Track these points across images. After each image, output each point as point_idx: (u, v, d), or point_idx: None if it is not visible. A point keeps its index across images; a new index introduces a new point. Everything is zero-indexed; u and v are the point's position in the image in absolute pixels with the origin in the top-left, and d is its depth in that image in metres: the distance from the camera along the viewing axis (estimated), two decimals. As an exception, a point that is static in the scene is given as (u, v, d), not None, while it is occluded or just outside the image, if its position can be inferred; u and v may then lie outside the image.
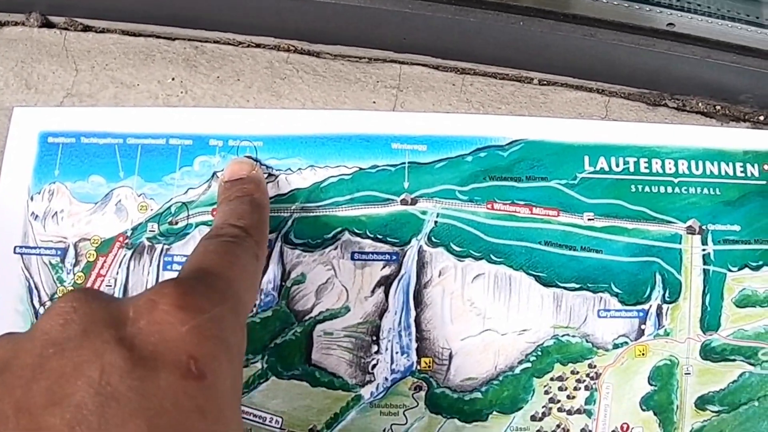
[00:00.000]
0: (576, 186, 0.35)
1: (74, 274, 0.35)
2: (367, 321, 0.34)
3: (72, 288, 0.35)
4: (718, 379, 0.34)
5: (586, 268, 0.34)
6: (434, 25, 0.35)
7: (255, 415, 0.33)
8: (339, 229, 0.34)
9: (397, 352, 0.33)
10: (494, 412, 0.33)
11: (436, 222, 0.34)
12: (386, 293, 0.34)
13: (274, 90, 0.36)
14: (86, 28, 0.39)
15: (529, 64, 0.35)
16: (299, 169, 0.35)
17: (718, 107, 0.36)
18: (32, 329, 0.20)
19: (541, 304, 0.34)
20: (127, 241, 0.35)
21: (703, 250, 0.35)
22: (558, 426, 0.33)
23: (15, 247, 0.35)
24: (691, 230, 0.35)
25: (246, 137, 0.35)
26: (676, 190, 0.35)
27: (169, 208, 0.35)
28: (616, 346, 0.34)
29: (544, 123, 0.35)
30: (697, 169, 0.35)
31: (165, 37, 0.38)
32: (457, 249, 0.34)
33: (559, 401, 0.33)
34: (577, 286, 0.34)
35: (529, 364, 0.33)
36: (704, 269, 0.34)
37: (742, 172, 0.36)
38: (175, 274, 0.34)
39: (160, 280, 0.34)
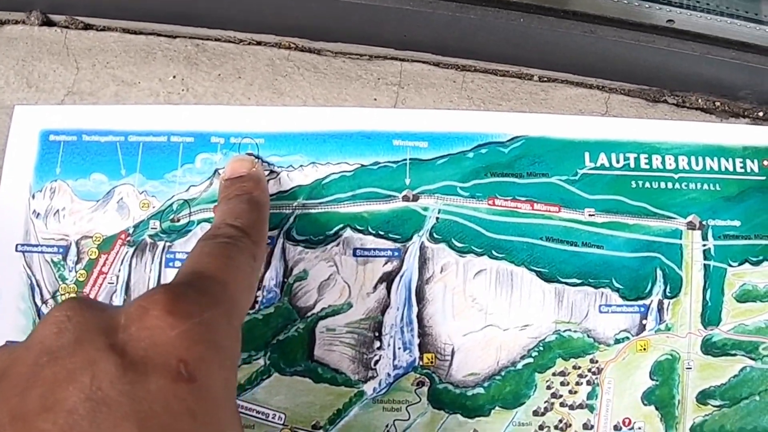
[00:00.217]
0: (577, 182, 0.35)
1: (76, 272, 0.35)
2: (369, 317, 0.34)
3: (74, 285, 0.35)
4: (719, 374, 0.34)
5: (588, 263, 0.34)
6: (435, 22, 0.35)
7: (258, 412, 0.33)
8: (341, 225, 0.34)
9: (399, 348, 0.33)
10: (497, 408, 0.33)
11: (437, 218, 0.34)
12: (388, 289, 0.34)
13: (276, 87, 0.36)
14: (87, 27, 0.39)
15: (530, 61, 0.35)
16: (301, 166, 0.35)
17: (717, 103, 0.36)
18: (29, 338, 0.20)
19: (542, 300, 0.34)
20: (129, 238, 0.35)
21: (704, 245, 0.35)
22: (560, 421, 0.33)
23: (17, 245, 0.35)
24: (691, 226, 0.35)
25: (248, 134, 0.35)
26: (677, 185, 0.35)
27: (171, 205, 0.35)
28: (617, 341, 0.34)
29: (544, 119, 0.35)
30: (697, 164, 0.35)
31: (166, 35, 0.38)
32: (459, 245, 0.34)
33: (561, 396, 0.33)
34: (579, 281, 0.34)
35: (531, 360, 0.33)
36: (705, 264, 0.35)
37: (741, 167, 0.36)
38: (176, 272, 0.34)
39: (162, 277, 0.35)
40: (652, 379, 0.34)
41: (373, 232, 0.34)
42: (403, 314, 0.34)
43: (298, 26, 0.37)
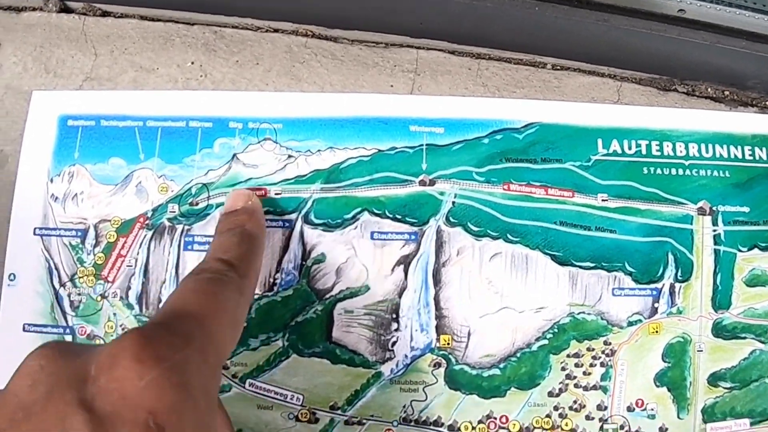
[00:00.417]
0: (590, 168, 0.35)
1: (94, 255, 0.35)
2: (386, 299, 0.34)
3: (92, 268, 0.35)
4: (730, 357, 0.35)
5: (601, 247, 0.35)
6: (450, 10, 0.35)
7: (276, 393, 0.34)
8: (358, 209, 0.35)
9: (416, 330, 0.34)
10: (512, 389, 0.34)
11: (453, 202, 0.35)
12: (405, 272, 0.34)
13: (293, 74, 0.36)
14: (104, 14, 0.39)
15: (543, 50, 0.36)
16: (319, 150, 0.35)
17: (726, 92, 0.36)
18: (5, 390, 0.20)
19: (557, 283, 0.34)
20: (147, 221, 0.35)
21: (714, 230, 0.35)
22: (574, 402, 0.34)
23: (35, 229, 0.36)
24: (701, 211, 0.35)
25: (266, 119, 0.36)
26: (687, 172, 0.36)
27: (190, 189, 0.35)
28: (630, 324, 0.34)
29: (558, 107, 0.36)
30: (707, 152, 0.36)
31: (184, 23, 0.38)
32: (475, 229, 0.34)
33: (575, 377, 0.34)
34: (592, 265, 0.34)
35: (546, 341, 0.34)
36: (715, 249, 0.35)
37: (750, 155, 0.37)
38: (195, 255, 0.35)
39: (180, 260, 0.35)
40: (665, 361, 0.34)
41: (391, 215, 0.35)
42: (420, 296, 0.34)
43: (315, 14, 0.37)
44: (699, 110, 0.37)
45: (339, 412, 0.33)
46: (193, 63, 0.37)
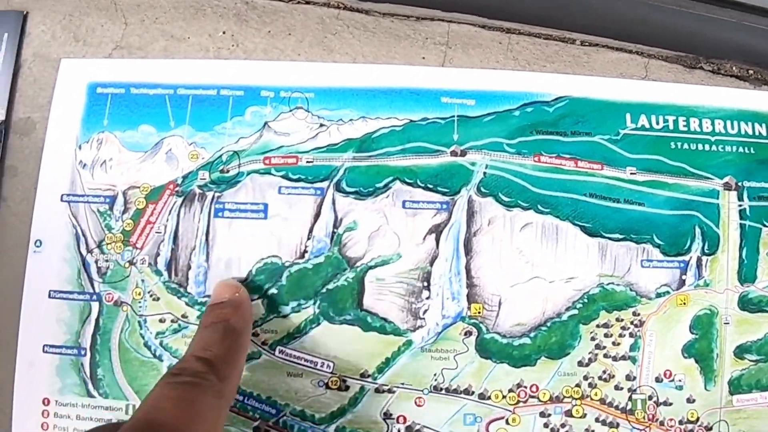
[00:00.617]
0: (619, 141, 0.36)
1: (123, 222, 0.35)
2: (418, 267, 0.34)
3: (121, 234, 0.35)
4: (755, 329, 0.35)
5: (629, 219, 0.35)
6: (482, -15, 0.36)
7: (306, 360, 0.33)
8: (390, 178, 0.35)
9: (447, 298, 0.34)
10: (542, 358, 0.34)
11: (485, 173, 0.35)
12: (437, 241, 0.34)
13: (326, 45, 0.36)
14: (134, -16, 0.39)
15: (572, 26, 0.37)
16: (351, 120, 0.35)
17: (751, 71, 0.37)
18: None
19: (586, 253, 0.35)
20: (177, 188, 0.35)
21: (740, 205, 0.36)
22: (604, 372, 0.34)
23: (62, 195, 0.36)
24: (727, 186, 0.36)
25: (297, 89, 0.36)
26: (713, 147, 0.36)
27: (221, 156, 0.35)
28: (658, 295, 0.35)
29: (587, 81, 0.36)
30: (732, 128, 0.37)
31: (215, -6, 0.38)
32: (506, 199, 0.35)
33: (604, 347, 0.34)
34: (621, 236, 0.35)
35: (575, 311, 0.34)
36: (740, 224, 0.36)
37: (774, 133, 0.37)
38: (226, 222, 0.35)
39: (210, 227, 0.35)
40: (692, 333, 0.34)
41: (422, 185, 0.35)
42: (451, 265, 0.34)
43: (347, -13, 0.37)
44: (724, 88, 0.37)
45: (369, 379, 0.33)
46: (224, 33, 0.37)
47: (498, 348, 0.34)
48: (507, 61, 0.36)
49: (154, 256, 0.35)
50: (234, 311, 0.30)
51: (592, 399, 0.34)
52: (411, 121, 0.35)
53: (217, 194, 0.35)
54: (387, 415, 0.33)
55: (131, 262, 0.35)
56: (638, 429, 0.34)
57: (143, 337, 0.34)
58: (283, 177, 0.35)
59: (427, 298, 0.34)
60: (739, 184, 0.36)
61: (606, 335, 0.34)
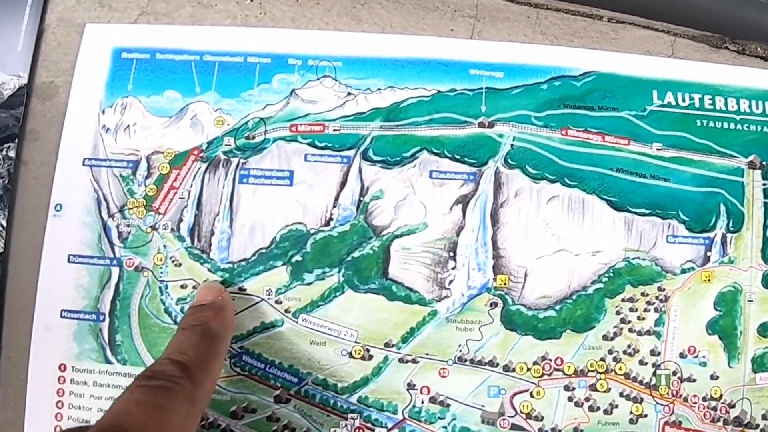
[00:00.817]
0: (645, 117, 0.36)
1: (146, 186, 0.35)
2: (444, 237, 0.34)
3: (143, 200, 0.35)
4: (779, 308, 0.35)
5: (656, 195, 0.35)
6: (511, -40, 0.36)
7: (330, 329, 0.33)
8: (418, 148, 0.35)
9: (473, 269, 0.34)
10: (567, 331, 0.34)
11: (512, 145, 0.35)
12: (464, 211, 0.34)
13: (354, 14, 0.36)
14: (161, -48, 0.39)
15: (600, 2, 0.37)
16: (379, 89, 0.35)
17: (775, 53, 0.37)
18: None
19: (612, 227, 0.34)
20: (202, 154, 0.35)
21: (764, 184, 0.36)
22: (629, 346, 0.34)
23: (84, 159, 0.35)
24: (752, 165, 0.36)
25: (326, 57, 0.36)
26: (738, 126, 0.36)
27: (247, 123, 0.35)
28: (683, 271, 0.34)
29: (615, 57, 0.36)
30: (757, 108, 0.37)
31: (242, -37, 0.38)
32: (533, 171, 0.35)
33: (629, 322, 0.34)
34: (647, 211, 0.35)
35: (601, 285, 0.34)
36: (765, 202, 0.36)
37: (797, 114, 0.37)
38: (251, 188, 0.34)
39: (235, 193, 0.34)
40: (716, 310, 0.34)
41: (449, 155, 0.35)
42: (478, 236, 0.34)
43: (375, -40, 0.37)
44: (749, 68, 0.37)
45: (393, 349, 0.33)
46: (252, 0, 0.37)
47: (523, 320, 0.33)
48: (535, 36, 0.36)
49: (177, 222, 0.34)
50: (215, 315, 0.30)
51: (616, 373, 0.33)
52: (439, 91, 0.35)
53: (242, 160, 0.35)
54: (410, 386, 0.33)
55: (153, 228, 0.34)
56: (662, 404, 0.33)
57: (164, 303, 0.34)
58: (309, 144, 0.35)
59: (453, 269, 0.34)
60: (764, 163, 0.36)
61: (631, 309, 0.34)
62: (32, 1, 0.37)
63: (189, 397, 0.25)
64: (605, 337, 0.34)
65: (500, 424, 0.33)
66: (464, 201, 0.34)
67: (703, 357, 0.34)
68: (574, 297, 0.34)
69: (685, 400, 0.34)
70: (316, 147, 0.35)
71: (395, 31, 0.36)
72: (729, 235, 0.35)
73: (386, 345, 0.33)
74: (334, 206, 0.34)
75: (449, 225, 0.34)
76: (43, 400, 0.33)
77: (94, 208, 0.35)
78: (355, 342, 0.33)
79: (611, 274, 0.34)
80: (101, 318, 0.34)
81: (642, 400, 0.33)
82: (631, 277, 0.34)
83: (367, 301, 0.33)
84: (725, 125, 0.36)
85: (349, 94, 0.35)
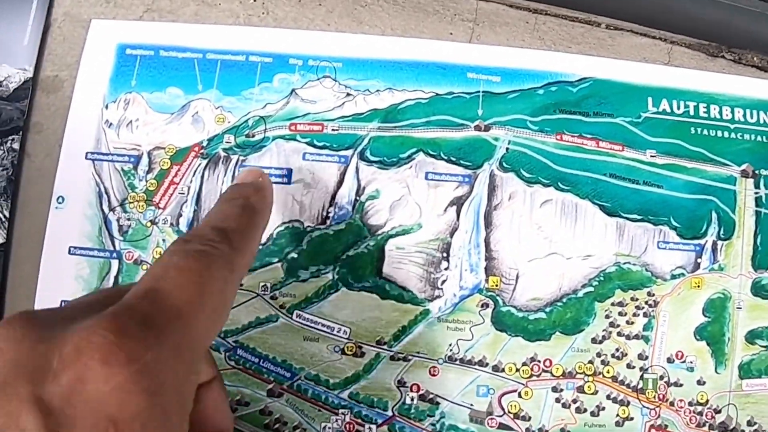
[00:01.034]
0: (640, 124, 0.36)
1: (146, 181, 0.35)
2: (438, 238, 0.34)
3: (144, 194, 0.35)
4: (767, 316, 0.35)
5: (648, 201, 0.35)
6: (511, -35, 0.36)
7: (323, 325, 0.34)
8: (414, 149, 0.35)
9: (466, 270, 0.34)
10: (557, 333, 0.34)
11: (507, 149, 0.35)
12: (458, 213, 0.35)
13: (355, 16, 0.37)
14: (166, -50, 0.39)
15: (598, 9, 0.37)
16: (377, 90, 0.36)
17: (771, 63, 0.38)
18: None
19: (604, 232, 0.35)
20: (202, 151, 0.35)
21: (756, 193, 0.36)
22: (617, 350, 0.34)
23: (87, 153, 0.36)
24: (745, 174, 0.36)
25: (326, 58, 0.36)
26: (732, 135, 0.37)
27: (247, 121, 0.36)
28: (673, 277, 0.35)
29: (611, 64, 0.37)
30: (752, 117, 0.37)
31: (246, -37, 0.39)
32: (527, 175, 0.35)
33: (618, 326, 0.34)
34: (639, 217, 0.35)
35: (591, 288, 0.34)
36: (756, 211, 0.36)
37: (792, 125, 0.38)
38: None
39: (234, 190, 0.35)
40: (705, 316, 0.35)
41: (445, 157, 0.35)
42: (471, 237, 0.34)
43: (377, -38, 0.38)
44: (745, 77, 0.38)
45: (385, 347, 0.34)
46: (255, 0, 0.37)
47: (513, 321, 0.34)
48: (533, 41, 0.37)
49: (176, 217, 0.35)
50: (255, 191, 0.28)
51: (604, 376, 0.34)
52: (437, 94, 0.36)
53: (241, 158, 0.35)
54: (401, 383, 0.33)
55: (153, 222, 0.35)
56: (648, 408, 0.34)
57: (162, 296, 0.34)
58: (308, 144, 0.35)
59: (446, 269, 0.34)
60: (757, 172, 0.36)
61: (620, 314, 0.34)
62: (39, -4, 0.38)
63: (228, 263, 0.24)
64: (594, 340, 0.34)
65: (488, 423, 0.33)
66: (459, 203, 0.35)
67: (691, 362, 0.35)
68: (564, 300, 0.34)
69: (672, 404, 0.34)
70: (314, 146, 0.35)
71: (395, 34, 0.37)
72: (720, 243, 0.36)
73: (378, 342, 0.34)
74: (331, 205, 0.35)
75: (443, 226, 0.35)
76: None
77: (95, 202, 0.35)
78: (347, 339, 0.34)
79: (602, 278, 0.35)
80: (100, 309, 0.34)
81: (629, 403, 0.34)
82: (621, 282, 0.35)
83: (361, 299, 0.34)
84: (719, 133, 0.37)
85: (348, 94, 0.36)
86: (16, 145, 0.36)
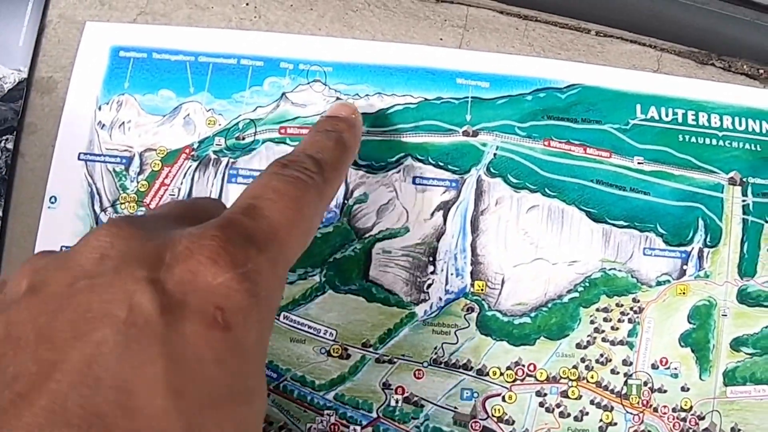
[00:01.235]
0: (628, 131, 0.36)
1: (138, 182, 0.36)
2: (424, 242, 0.35)
3: (135, 195, 0.36)
4: (753, 323, 0.36)
5: (634, 207, 0.36)
6: (502, -28, 0.36)
7: (310, 327, 0.34)
8: (402, 154, 0.35)
9: (452, 274, 0.34)
10: (542, 338, 0.34)
11: (495, 154, 0.36)
12: (445, 217, 0.35)
13: (346, 21, 0.37)
14: (161, -46, 0.40)
15: (588, 16, 0.37)
16: (367, 95, 0.36)
17: (761, 71, 0.38)
18: (67, 258, 0.20)
19: (590, 238, 0.35)
20: (193, 153, 0.36)
21: (743, 200, 0.36)
22: (601, 355, 0.34)
23: (79, 154, 0.36)
24: (732, 181, 0.36)
25: (316, 62, 0.36)
26: (720, 143, 0.37)
27: (237, 124, 0.36)
28: (659, 283, 0.35)
29: (600, 70, 0.37)
30: (740, 125, 0.37)
31: (239, -33, 0.39)
32: (514, 181, 0.35)
33: (603, 331, 0.35)
34: (625, 223, 0.35)
35: (576, 294, 0.35)
36: (743, 218, 0.36)
37: (781, 133, 0.38)
38: (239, 188, 0.35)
39: (224, 192, 0.35)
40: (690, 323, 0.35)
41: (433, 162, 0.35)
42: (457, 242, 0.35)
43: (369, -33, 0.38)
44: (734, 85, 0.38)
45: (371, 349, 0.34)
46: (247, 4, 0.38)
47: (498, 326, 0.34)
48: (522, 47, 0.37)
49: (166, 218, 0.35)
50: (349, 128, 0.30)
51: (588, 381, 0.34)
52: (425, 99, 0.36)
53: (231, 160, 0.36)
54: (386, 385, 0.34)
55: (144, 223, 0.35)
56: (632, 414, 0.34)
57: (151, 296, 0.35)
58: (297, 147, 0.35)
59: (432, 273, 0.34)
60: (744, 179, 0.37)
61: (605, 319, 0.35)
62: (35, -3, 0.38)
63: (319, 193, 0.26)
64: (578, 346, 0.34)
65: (472, 427, 0.34)
66: (446, 207, 0.35)
67: (675, 369, 0.35)
68: (549, 305, 0.35)
69: (655, 410, 0.34)
70: (303, 150, 0.35)
71: (385, 39, 0.37)
72: (706, 250, 0.36)
73: (364, 345, 0.34)
74: (319, 208, 0.35)
75: (430, 230, 0.35)
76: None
77: (87, 202, 0.36)
78: (333, 341, 0.34)
79: (587, 284, 0.35)
80: (90, 308, 0.35)
81: (612, 408, 0.34)
82: (606, 288, 0.35)
83: (347, 302, 0.34)
84: (707, 141, 0.37)
85: (338, 98, 0.36)
86: (10, 145, 0.36)
